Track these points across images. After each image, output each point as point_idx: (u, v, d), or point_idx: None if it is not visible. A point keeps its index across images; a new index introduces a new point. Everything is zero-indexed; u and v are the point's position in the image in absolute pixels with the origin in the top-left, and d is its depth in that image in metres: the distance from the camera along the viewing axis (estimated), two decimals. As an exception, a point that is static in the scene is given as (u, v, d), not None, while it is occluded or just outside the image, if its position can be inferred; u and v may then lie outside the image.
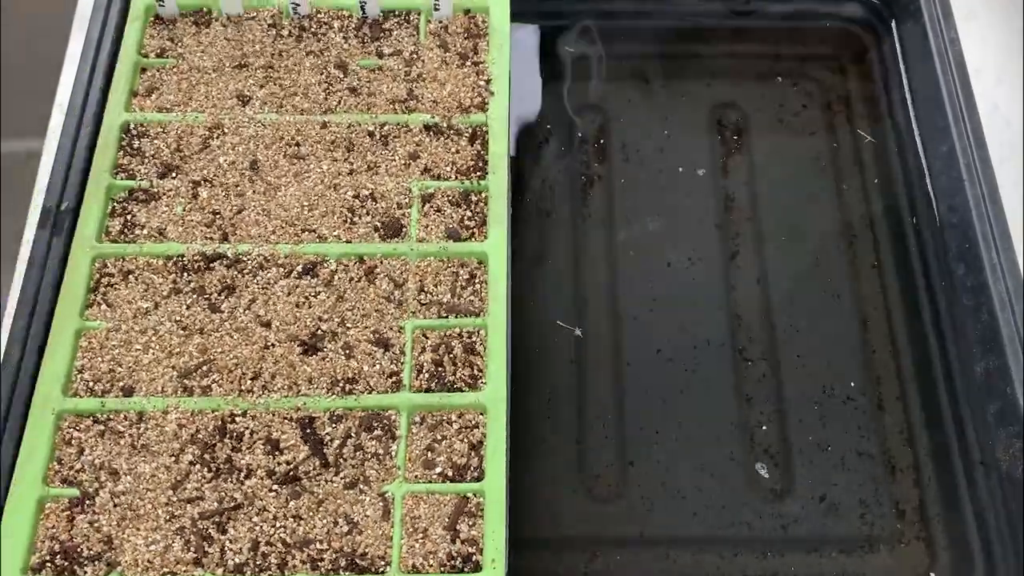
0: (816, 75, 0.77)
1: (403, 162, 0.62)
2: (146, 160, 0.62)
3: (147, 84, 0.64)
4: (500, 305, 0.57)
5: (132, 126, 0.63)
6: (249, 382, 0.55)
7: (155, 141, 0.62)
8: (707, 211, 0.70)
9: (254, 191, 0.60)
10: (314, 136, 0.62)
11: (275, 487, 0.52)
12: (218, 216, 0.60)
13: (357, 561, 0.50)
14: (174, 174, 0.61)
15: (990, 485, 0.59)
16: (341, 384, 0.55)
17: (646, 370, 0.63)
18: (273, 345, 0.56)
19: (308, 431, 0.54)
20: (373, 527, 0.51)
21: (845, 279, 0.67)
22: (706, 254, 0.68)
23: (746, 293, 0.67)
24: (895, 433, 0.62)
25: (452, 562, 0.51)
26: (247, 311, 0.57)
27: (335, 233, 0.59)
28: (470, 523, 0.52)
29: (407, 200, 0.60)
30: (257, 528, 0.51)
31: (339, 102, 0.64)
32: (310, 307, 0.57)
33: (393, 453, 0.53)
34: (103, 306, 0.57)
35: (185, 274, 0.58)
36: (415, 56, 0.66)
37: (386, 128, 0.63)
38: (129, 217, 0.60)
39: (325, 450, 0.53)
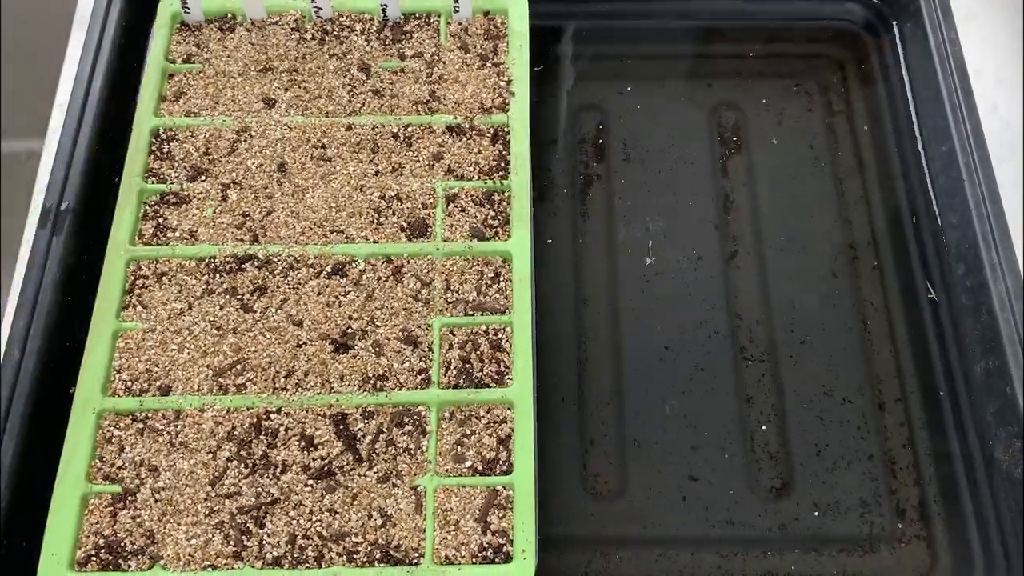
0: (816, 75, 0.78)
1: (427, 163, 0.63)
2: (176, 164, 0.63)
3: (175, 89, 0.65)
4: (525, 302, 0.58)
5: (161, 131, 0.64)
6: (283, 380, 0.56)
7: (184, 145, 0.63)
8: (707, 211, 0.70)
9: (282, 193, 0.62)
10: (339, 138, 0.64)
11: (310, 482, 0.54)
12: (248, 218, 0.61)
13: (392, 553, 0.52)
14: (204, 177, 0.62)
15: (991, 485, 0.59)
16: (372, 381, 0.56)
17: (646, 370, 0.64)
18: (305, 344, 0.57)
19: (341, 427, 0.55)
20: (406, 520, 0.53)
21: (845, 279, 0.67)
22: (706, 254, 0.68)
23: (746, 293, 0.67)
24: (895, 433, 0.62)
25: (483, 553, 0.52)
26: (279, 311, 0.58)
27: (362, 233, 0.61)
28: (500, 515, 0.53)
29: (432, 200, 0.62)
30: (294, 522, 0.53)
31: (363, 104, 0.65)
32: (340, 306, 0.58)
33: (424, 448, 0.55)
34: (138, 308, 0.58)
35: (217, 275, 0.59)
36: (436, 58, 0.67)
37: (409, 129, 0.64)
38: (161, 220, 0.61)
39: (358, 445, 0.55)
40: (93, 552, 0.52)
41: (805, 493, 0.60)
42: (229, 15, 0.68)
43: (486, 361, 0.57)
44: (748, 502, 0.59)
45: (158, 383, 0.56)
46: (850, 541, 0.59)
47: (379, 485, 0.54)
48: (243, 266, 0.59)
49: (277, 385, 0.56)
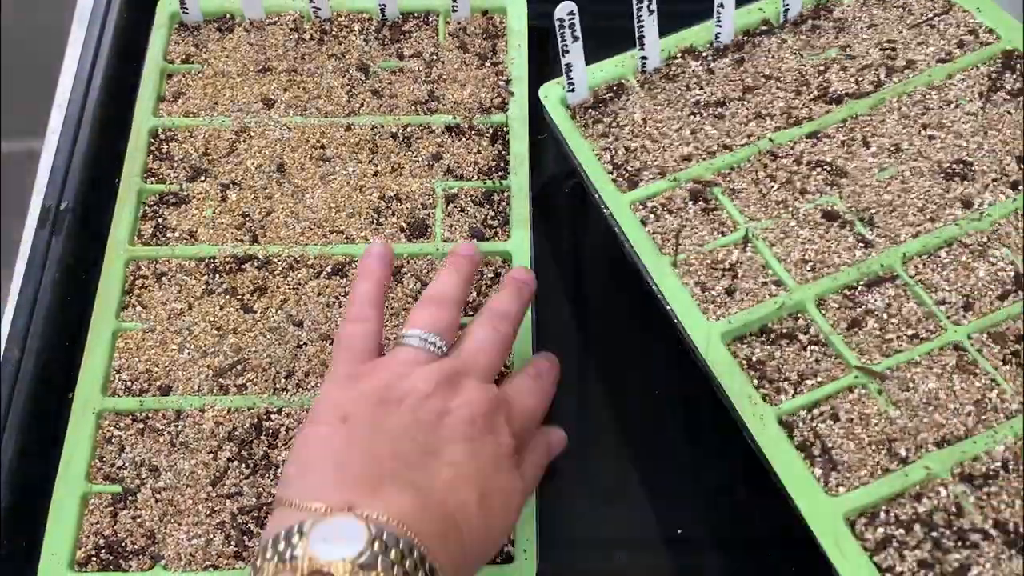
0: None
1: (426, 163, 0.63)
2: (175, 164, 0.63)
3: (174, 90, 0.66)
4: (524, 302, 0.58)
5: (160, 131, 0.64)
6: (283, 380, 0.56)
7: (183, 145, 0.64)
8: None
9: (282, 193, 0.62)
10: (338, 138, 0.64)
11: (310, 482, 0.54)
12: (247, 218, 0.61)
13: (392, 552, 0.52)
14: (203, 178, 0.62)
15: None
16: (372, 381, 0.56)
17: (646, 368, 0.62)
18: (305, 344, 0.57)
19: (341, 427, 0.55)
20: (406, 519, 0.53)
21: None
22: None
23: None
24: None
25: (484, 552, 0.52)
26: (279, 311, 0.58)
27: (362, 234, 0.61)
28: (500, 514, 0.53)
29: (431, 200, 0.62)
30: (294, 522, 0.53)
31: (362, 104, 0.65)
32: (340, 307, 0.58)
33: (424, 447, 0.55)
34: (138, 308, 0.58)
35: (217, 275, 0.59)
36: (435, 57, 0.67)
37: (409, 129, 0.64)
38: (160, 220, 0.61)
39: (358, 445, 0.55)
40: (93, 552, 0.52)
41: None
42: (228, 15, 0.68)
43: (486, 361, 0.57)
44: (748, 501, 0.58)
45: (158, 383, 0.56)
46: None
47: (379, 485, 0.54)
48: (243, 266, 0.60)
49: (277, 385, 0.56)
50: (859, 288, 0.51)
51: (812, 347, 0.50)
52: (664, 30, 0.63)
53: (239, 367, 0.57)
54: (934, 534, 0.43)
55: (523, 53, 0.67)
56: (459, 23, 0.68)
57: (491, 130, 0.64)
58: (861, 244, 0.52)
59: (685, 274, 0.53)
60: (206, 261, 0.60)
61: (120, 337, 0.58)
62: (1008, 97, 0.56)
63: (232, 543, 0.52)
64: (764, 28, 0.64)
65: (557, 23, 0.58)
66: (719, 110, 0.60)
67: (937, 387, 0.46)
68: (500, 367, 0.51)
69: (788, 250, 0.53)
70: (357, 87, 0.66)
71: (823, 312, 0.51)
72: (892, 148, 0.56)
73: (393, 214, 0.61)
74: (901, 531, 0.43)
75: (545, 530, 0.53)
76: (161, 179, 0.63)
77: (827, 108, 0.58)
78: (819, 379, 0.48)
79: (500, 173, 0.63)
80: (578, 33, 0.59)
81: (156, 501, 0.53)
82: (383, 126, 0.64)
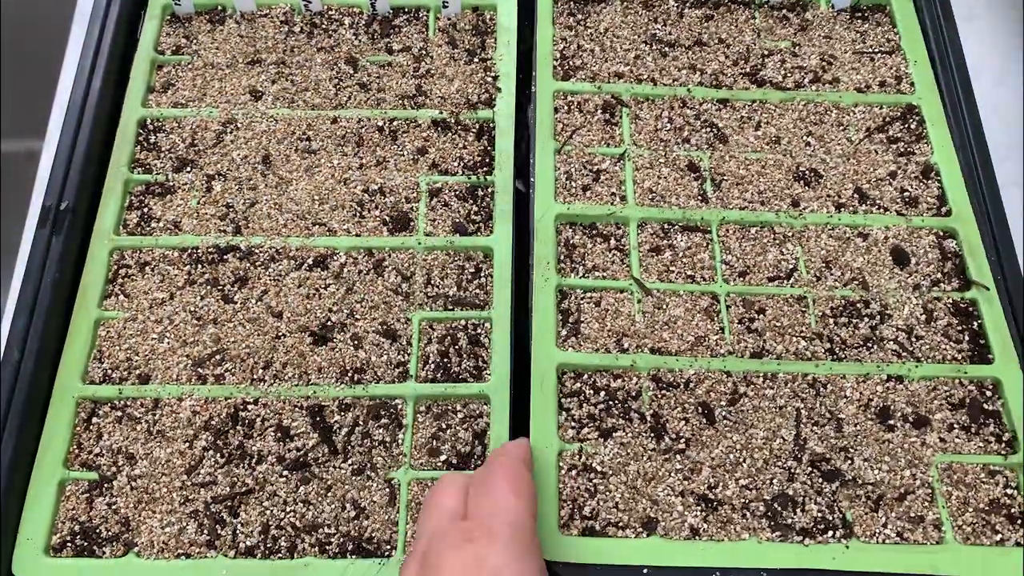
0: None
1: (411, 157, 0.63)
2: (162, 155, 0.63)
3: (163, 80, 0.66)
4: (505, 298, 0.58)
5: (148, 121, 0.64)
6: (261, 371, 0.56)
7: (171, 136, 0.64)
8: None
9: (266, 185, 0.62)
10: (325, 131, 0.64)
11: (285, 473, 0.54)
12: (231, 209, 0.61)
13: (364, 545, 0.52)
14: (189, 168, 0.63)
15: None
16: (350, 374, 0.57)
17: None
18: (284, 335, 0.57)
19: (317, 419, 0.55)
20: (379, 512, 0.53)
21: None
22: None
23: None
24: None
25: (456, 547, 0.52)
26: (259, 302, 0.58)
27: (345, 227, 0.61)
28: (473, 509, 0.53)
29: (415, 194, 0.62)
30: (268, 512, 0.53)
31: (349, 97, 0.65)
32: (320, 299, 0.59)
33: (400, 441, 0.55)
34: (120, 296, 0.59)
35: (199, 266, 0.60)
36: (424, 52, 0.67)
37: (395, 123, 0.64)
38: (146, 210, 0.62)
39: (334, 437, 0.55)
40: (68, 538, 0.53)
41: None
42: (219, 7, 0.69)
43: (464, 356, 0.57)
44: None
45: (138, 372, 0.57)
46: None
47: (353, 477, 0.54)
48: (225, 257, 0.60)
49: (255, 376, 0.56)
50: (676, 227, 0.61)
51: (615, 251, 0.60)
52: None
53: (218, 357, 0.57)
54: (610, 402, 0.55)
55: (512, 50, 0.67)
56: (449, 18, 0.68)
57: (477, 126, 0.64)
58: (699, 197, 0.61)
59: (562, 162, 0.62)
60: (189, 251, 0.60)
61: (102, 325, 0.58)
62: (885, 142, 0.64)
63: (205, 532, 0.52)
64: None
65: None
66: (666, 49, 0.67)
67: (679, 315, 0.57)
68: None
69: (644, 177, 0.62)
70: (345, 80, 0.66)
71: (639, 233, 0.60)
72: (773, 138, 0.64)
73: (376, 207, 0.61)
74: (590, 391, 0.55)
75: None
76: (148, 169, 0.63)
77: (747, 86, 0.66)
78: (604, 274, 0.59)
79: (485, 169, 0.63)
80: None
81: (132, 489, 0.54)
82: (369, 119, 0.64)
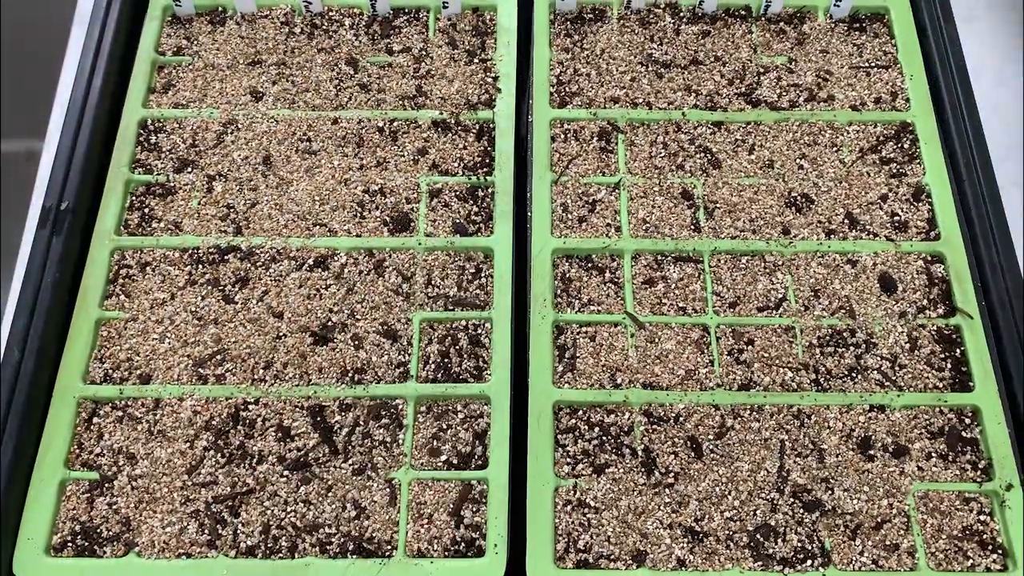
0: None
1: (412, 158, 0.63)
2: (163, 155, 0.64)
3: (164, 81, 0.66)
4: (505, 298, 0.58)
5: (149, 122, 0.65)
6: (261, 371, 0.57)
7: (171, 136, 0.64)
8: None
9: (267, 186, 0.62)
10: (325, 132, 0.64)
11: (286, 473, 0.54)
12: (232, 210, 0.61)
13: (364, 545, 0.52)
14: (190, 169, 0.63)
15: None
16: (350, 374, 0.57)
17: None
18: (285, 335, 0.57)
19: (318, 419, 0.55)
20: (380, 512, 0.53)
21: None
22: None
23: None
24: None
25: (456, 547, 0.52)
26: (260, 302, 0.59)
27: (345, 227, 0.61)
28: (474, 509, 0.53)
29: (415, 195, 0.62)
30: (268, 512, 0.53)
31: (350, 98, 0.65)
32: (321, 299, 0.59)
33: (400, 441, 0.55)
34: (121, 297, 0.59)
35: (200, 266, 0.60)
36: (424, 53, 0.67)
37: (395, 124, 0.64)
38: (146, 211, 0.62)
39: (334, 437, 0.55)
40: (69, 538, 0.53)
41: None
42: (220, 8, 0.69)
43: (465, 356, 0.57)
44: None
45: (138, 372, 0.57)
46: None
47: (354, 477, 0.54)
48: (226, 257, 0.60)
49: (256, 376, 0.56)
50: (668, 258, 0.61)
51: (610, 284, 0.60)
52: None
53: (219, 357, 0.57)
54: (603, 437, 0.56)
55: (512, 50, 0.67)
56: (449, 19, 0.68)
57: (477, 126, 0.64)
58: (692, 226, 0.62)
59: (558, 193, 0.62)
60: (190, 251, 0.60)
61: (103, 326, 0.58)
62: (877, 163, 0.64)
63: (206, 532, 0.53)
64: (743, 12, 0.70)
65: None
66: (662, 70, 0.67)
67: (670, 348, 0.58)
68: None
69: (639, 207, 0.62)
70: (345, 81, 0.66)
71: (633, 264, 0.61)
72: (767, 162, 0.64)
73: (377, 208, 0.61)
74: (585, 427, 0.56)
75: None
76: (149, 170, 0.63)
77: (743, 106, 0.66)
78: (599, 308, 0.59)
79: (485, 169, 0.63)
80: None
81: (132, 488, 0.54)
82: (370, 120, 0.64)
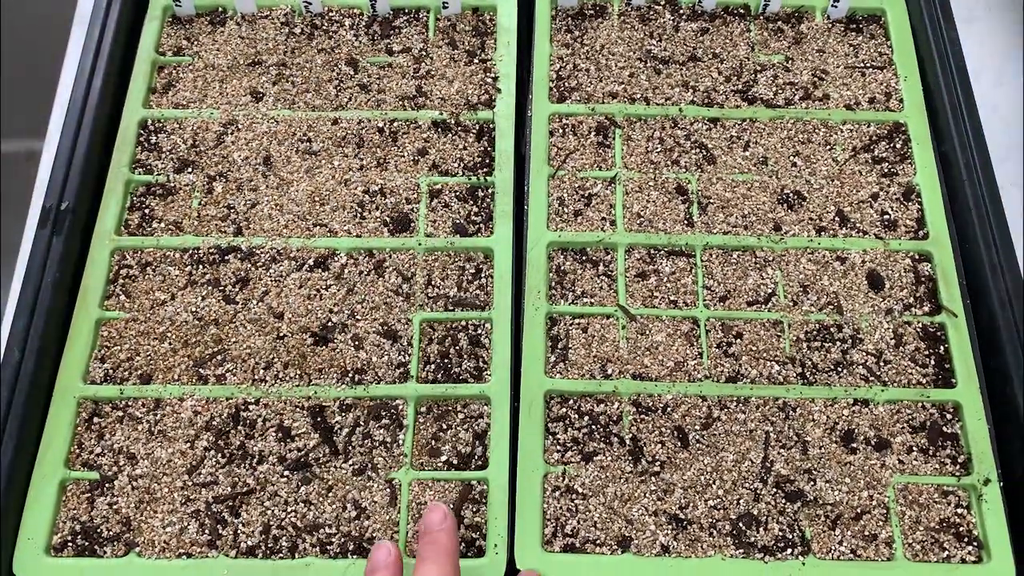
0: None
1: (412, 158, 0.63)
2: (163, 155, 0.64)
3: (164, 81, 0.66)
4: (506, 299, 0.58)
5: (150, 122, 0.65)
6: (262, 371, 0.57)
7: (172, 137, 0.64)
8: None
9: (267, 186, 0.62)
10: (325, 132, 0.64)
11: (286, 473, 0.54)
12: (232, 210, 0.61)
13: (365, 545, 0.52)
14: (190, 169, 0.63)
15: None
16: (351, 374, 0.57)
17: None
18: (285, 336, 0.58)
19: (318, 419, 0.55)
20: (380, 512, 0.53)
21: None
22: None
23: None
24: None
25: (456, 547, 0.52)
26: (260, 303, 0.59)
27: (345, 227, 0.61)
28: (474, 510, 0.53)
29: (415, 195, 0.62)
30: (269, 512, 0.53)
31: (350, 99, 0.65)
32: (321, 299, 0.59)
33: (400, 441, 0.55)
34: (122, 297, 0.59)
35: (200, 266, 0.60)
36: (424, 53, 0.67)
37: (395, 124, 0.64)
38: (147, 211, 0.62)
39: (335, 438, 0.55)
40: (69, 537, 0.53)
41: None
42: (220, 9, 0.69)
43: (465, 356, 0.58)
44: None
45: (139, 372, 0.57)
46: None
47: (354, 477, 0.54)
48: (226, 258, 0.60)
49: (256, 376, 0.57)
50: (661, 252, 0.61)
51: (603, 276, 0.61)
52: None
53: (219, 357, 0.57)
54: (593, 426, 0.56)
55: (512, 51, 0.67)
56: (449, 19, 0.68)
57: (477, 126, 0.64)
58: (685, 221, 0.62)
59: (554, 187, 0.63)
60: (190, 252, 0.60)
61: (103, 326, 0.58)
62: (870, 162, 0.64)
63: (206, 532, 0.53)
64: (742, 11, 0.70)
65: None
66: (661, 66, 0.67)
67: (661, 340, 0.59)
68: None
69: (634, 201, 0.63)
70: (345, 81, 0.66)
71: (626, 258, 0.61)
72: (761, 159, 0.64)
73: (377, 208, 0.62)
74: (575, 415, 0.57)
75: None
76: (149, 170, 0.63)
77: (739, 103, 0.66)
78: (591, 300, 0.60)
79: (485, 169, 0.63)
80: None
81: (133, 488, 0.54)
82: (370, 121, 0.64)
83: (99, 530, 0.53)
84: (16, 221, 0.70)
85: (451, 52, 0.67)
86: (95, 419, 0.56)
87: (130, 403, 0.56)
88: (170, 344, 0.57)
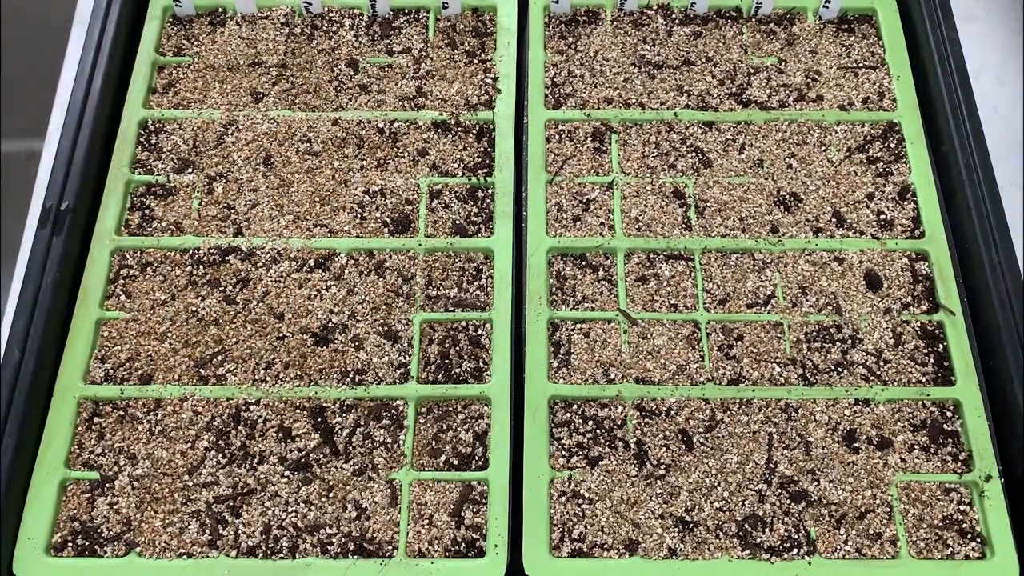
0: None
1: (412, 159, 0.63)
2: (163, 155, 0.64)
3: (164, 82, 0.66)
4: (506, 299, 0.59)
5: (150, 122, 0.65)
6: (262, 372, 0.57)
7: (172, 137, 0.64)
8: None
9: (267, 186, 0.62)
10: (325, 133, 0.64)
11: (287, 473, 0.54)
12: (232, 211, 0.62)
13: (365, 546, 0.52)
14: (190, 169, 0.63)
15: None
16: (351, 375, 0.57)
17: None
18: (286, 336, 0.58)
19: (319, 420, 0.56)
20: (381, 513, 0.53)
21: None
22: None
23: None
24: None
25: (457, 547, 0.52)
26: (260, 303, 0.59)
27: (345, 228, 0.61)
28: (474, 510, 0.53)
29: (415, 196, 0.62)
30: (269, 513, 0.53)
31: (350, 99, 0.65)
32: (321, 300, 0.59)
33: (401, 442, 0.55)
34: (122, 297, 0.59)
35: (201, 267, 0.60)
36: (424, 54, 0.67)
37: (395, 125, 0.64)
38: (147, 211, 0.62)
39: (335, 438, 0.55)
40: (70, 537, 0.53)
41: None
42: (220, 9, 0.69)
43: (465, 357, 0.58)
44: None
45: (139, 372, 0.57)
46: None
47: (355, 478, 0.54)
48: (226, 258, 0.60)
49: (257, 377, 0.57)
50: (660, 256, 0.62)
51: (604, 282, 0.61)
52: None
53: (219, 358, 0.57)
54: (597, 431, 0.57)
55: (512, 51, 0.67)
56: (449, 20, 0.69)
57: (477, 127, 0.64)
58: (683, 224, 0.62)
59: (552, 193, 0.63)
60: (190, 252, 0.60)
61: (104, 326, 0.58)
62: (864, 162, 0.65)
63: (207, 532, 0.53)
64: (734, 14, 0.70)
65: None
66: (655, 71, 0.68)
67: (662, 344, 0.59)
68: None
69: (632, 206, 0.63)
70: (346, 82, 0.66)
71: (626, 262, 0.61)
72: (757, 161, 0.65)
73: (377, 209, 0.62)
74: (579, 420, 0.57)
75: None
76: (149, 170, 0.63)
77: (733, 106, 0.67)
78: (592, 305, 0.60)
79: (485, 170, 0.63)
80: None
81: (133, 489, 0.54)
82: (370, 121, 0.64)
83: (99, 530, 0.53)
84: (16, 221, 0.70)
85: (451, 53, 0.67)
86: (95, 419, 0.56)
87: (130, 403, 0.56)
88: (170, 344, 0.58)
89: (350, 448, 0.55)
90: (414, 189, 0.62)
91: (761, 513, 0.54)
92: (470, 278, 0.60)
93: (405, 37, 0.68)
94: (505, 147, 0.63)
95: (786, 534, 0.54)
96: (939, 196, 0.64)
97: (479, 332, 0.58)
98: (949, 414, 0.57)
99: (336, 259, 0.60)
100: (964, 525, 0.54)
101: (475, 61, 0.67)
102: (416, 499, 0.54)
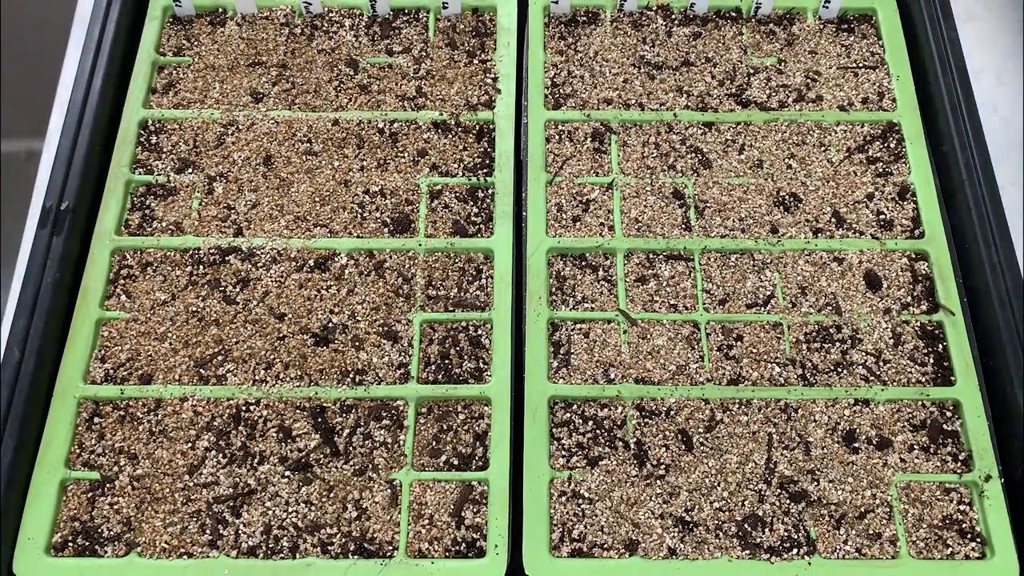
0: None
1: (412, 159, 0.63)
2: (163, 155, 0.64)
3: (164, 82, 0.66)
4: (506, 299, 0.59)
5: (150, 122, 0.65)
6: (263, 372, 0.57)
7: (172, 137, 0.64)
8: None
9: (267, 187, 0.62)
10: (325, 133, 0.64)
11: (287, 473, 0.54)
12: (233, 211, 0.62)
13: (366, 546, 0.52)
14: (190, 169, 0.63)
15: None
16: (351, 375, 0.57)
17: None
18: (286, 336, 0.58)
19: (319, 420, 0.56)
20: (381, 513, 0.53)
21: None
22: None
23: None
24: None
25: (457, 547, 0.52)
26: (261, 303, 0.59)
27: (346, 228, 0.61)
28: (475, 510, 0.53)
29: (415, 196, 0.62)
30: (270, 513, 0.53)
31: (350, 99, 0.65)
32: (321, 300, 0.59)
33: (401, 442, 0.55)
34: (122, 297, 0.59)
35: (201, 267, 0.60)
36: (424, 54, 0.67)
37: (395, 125, 0.64)
38: (147, 211, 0.62)
39: (336, 438, 0.55)
40: (70, 537, 0.53)
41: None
42: (220, 9, 0.69)
43: (465, 357, 0.58)
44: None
45: (139, 372, 0.57)
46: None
47: (355, 478, 0.54)
48: (227, 258, 0.60)
49: (257, 377, 0.57)
50: (660, 256, 0.62)
51: (603, 282, 0.61)
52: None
53: (220, 358, 0.57)
54: (597, 431, 0.57)
55: (512, 51, 0.67)
56: (449, 20, 0.69)
57: (477, 127, 0.64)
58: (683, 225, 0.62)
59: (552, 193, 0.63)
60: (191, 252, 0.60)
61: (104, 326, 0.58)
62: (864, 162, 0.65)
63: (207, 532, 0.53)
64: (734, 14, 0.70)
65: None
66: (654, 72, 0.68)
67: (662, 344, 0.59)
68: None
69: (631, 206, 0.63)
70: (346, 82, 0.66)
71: (625, 263, 0.61)
72: (756, 161, 0.65)
73: (377, 209, 0.62)
74: (579, 420, 0.57)
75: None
76: (149, 170, 0.63)
77: (733, 107, 0.67)
78: (592, 305, 0.60)
79: (485, 170, 0.63)
80: None
81: (133, 489, 0.54)
82: (370, 121, 0.64)
83: (99, 530, 0.53)
84: (16, 221, 0.70)
85: (451, 53, 0.67)
86: (95, 419, 0.56)
87: (131, 403, 0.56)
88: (170, 344, 0.58)
89: (350, 448, 0.55)
90: (414, 189, 0.62)
91: (761, 513, 0.54)
92: (470, 278, 0.60)
93: (405, 37, 0.68)
94: (505, 147, 0.63)
95: (786, 534, 0.54)
96: (939, 196, 0.64)
97: (479, 332, 0.58)
98: (949, 414, 0.57)
99: (336, 259, 0.60)
100: (964, 525, 0.54)
101: (475, 61, 0.67)
102: (416, 499, 0.54)
